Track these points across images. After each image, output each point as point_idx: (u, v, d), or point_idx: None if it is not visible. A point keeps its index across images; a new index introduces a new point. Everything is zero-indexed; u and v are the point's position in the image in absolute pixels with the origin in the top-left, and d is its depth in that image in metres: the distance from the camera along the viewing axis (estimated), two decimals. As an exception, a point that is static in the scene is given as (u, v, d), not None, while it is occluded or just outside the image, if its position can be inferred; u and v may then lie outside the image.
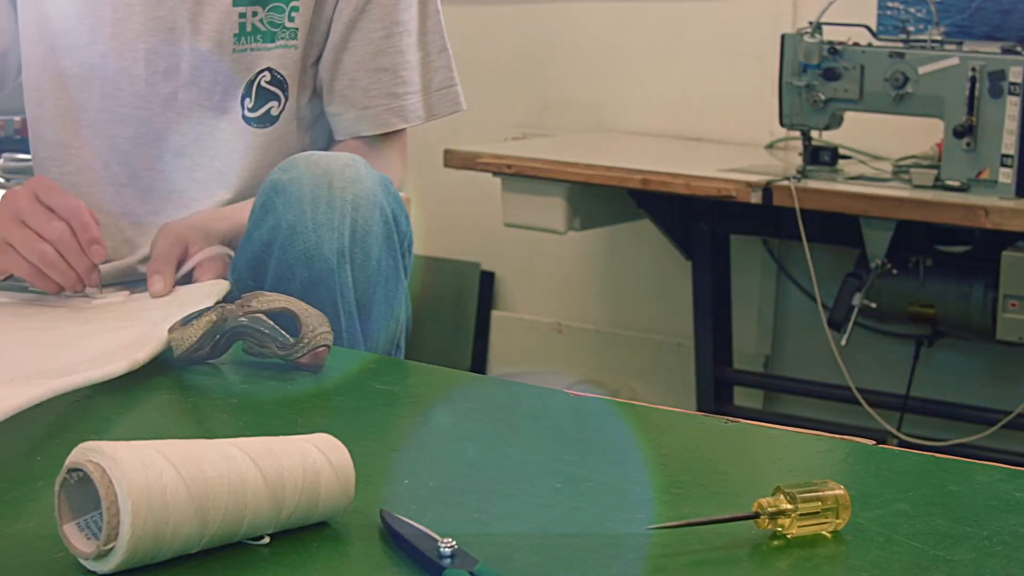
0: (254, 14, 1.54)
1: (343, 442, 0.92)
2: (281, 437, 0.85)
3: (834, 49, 2.65)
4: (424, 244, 4.04)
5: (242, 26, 1.55)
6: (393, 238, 1.44)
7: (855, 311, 2.68)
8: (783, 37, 2.75)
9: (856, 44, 2.68)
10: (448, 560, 0.78)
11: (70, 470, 0.77)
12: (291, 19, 1.56)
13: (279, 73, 1.58)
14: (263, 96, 1.58)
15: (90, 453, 0.77)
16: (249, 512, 0.80)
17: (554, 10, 3.72)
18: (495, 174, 3.12)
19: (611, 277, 3.74)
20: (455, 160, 3.16)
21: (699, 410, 3.12)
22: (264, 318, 1.20)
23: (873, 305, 2.70)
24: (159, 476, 0.76)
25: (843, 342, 2.68)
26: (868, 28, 2.72)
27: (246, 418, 1.09)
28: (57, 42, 1.59)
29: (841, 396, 2.89)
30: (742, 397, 3.28)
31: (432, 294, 4.02)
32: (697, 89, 3.46)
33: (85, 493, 0.77)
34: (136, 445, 0.78)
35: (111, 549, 0.75)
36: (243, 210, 1.48)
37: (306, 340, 1.19)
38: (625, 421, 1.12)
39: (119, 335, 1.27)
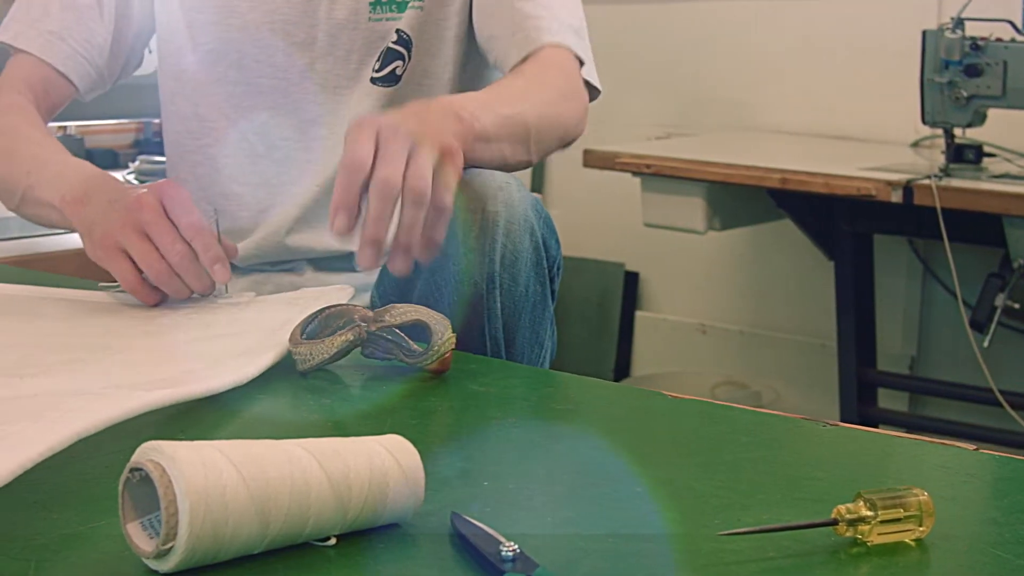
0: None
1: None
2: (351, 438, 0.85)
3: (976, 45, 2.59)
4: (568, 244, 4.03)
5: None
6: (542, 263, 1.40)
7: (998, 312, 2.61)
8: (924, 33, 2.70)
9: (999, 40, 2.61)
10: (509, 564, 0.77)
11: (132, 469, 0.77)
12: None
13: (405, 33, 1.60)
14: (389, 56, 1.60)
15: (151, 452, 0.77)
16: (313, 513, 0.80)
17: (699, 9, 3.69)
18: (634, 174, 3.10)
19: (754, 277, 3.70)
20: (595, 160, 3.15)
21: (842, 412, 3.06)
22: (396, 331, 1.19)
23: (1016, 306, 2.63)
24: (219, 476, 0.76)
25: (985, 343, 2.61)
26: (1012, 23, 2.65)
27: (332, 416, 1.09)
28: (194, 18, 1.62)
29: (983, 398, 2.83)
30: (887, 399, 3.22)
31: (576, 295, 4.01)
32: (841, 86, 3.41)
33: (148, 492, 0.77)
34: (198, 445, 0.78)
35: (170, 549, 0.75)
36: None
37: (435, 347, 1.17)
38: (721, 424, 1.10)
39: (234, 342, 1.26)
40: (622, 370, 4.02)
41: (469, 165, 1.33)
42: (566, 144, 1.56)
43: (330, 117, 1.62)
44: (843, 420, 3.05)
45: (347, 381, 1.19)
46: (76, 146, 2.76)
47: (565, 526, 0.85)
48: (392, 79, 1.61)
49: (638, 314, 4.02)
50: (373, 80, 1.60)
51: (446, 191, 1.22)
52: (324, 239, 1.62)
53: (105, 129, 2.82)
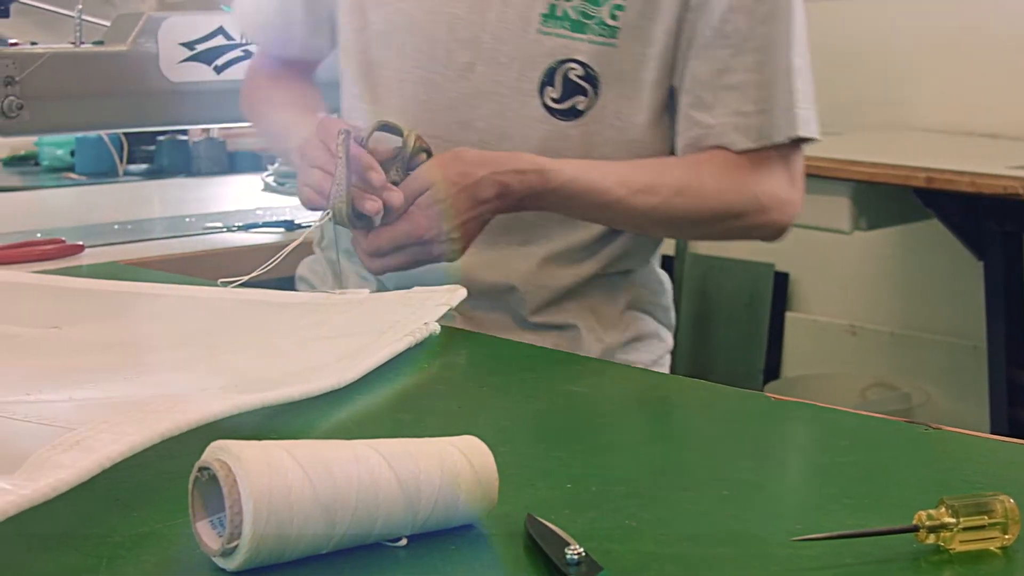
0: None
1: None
2: (423, 439, 0.84)
3: None
4: (717, 245, 4.01)
5: (552, 8, 1.55)
6: None
7: None
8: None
9: None
10: (573, 567, 0.76)
11: (201, 468, 0.78)
12: (613, 17, 1.54)
13: (592, 68, 1.56)
14: (570, 88, 1.56)
15: (219, 452, 0.77)
16: (381, 514, 0.79)
17: (845, 8, 3.64)
18: (779, 173, 3.05)
19: (904, 278, 3.63)
20: (740, 160, 3.11)
21: (992, 416, 3.00)
22: None
23: None
24: (284, 476, 0.76)
25: None
26: None
27: (420, 416, 1.09)
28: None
29: None
30: (1040, 403, 3.14)
31: (725, 296, 3.98)
32: (988, 83, 3.33)
33: (217, 491, 0.78)
34: (266, 445, 0.78)
35: (235, 547, 0.76)
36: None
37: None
38: (822, 426, 1.08)
39: (340, 344, 1.27)
40: (772, 372, 3.98)
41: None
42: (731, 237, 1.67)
43: (483, 123, 1.59)
44: (993, 423, 2.99)
45: (438, 382, 1.19)
46: (218, 149, 2.81)
47: (642, 529, 0.84)
48: (573, 113, 1.57)
49: (788, 315, 3.97)
50: (550, 109, 1.57)
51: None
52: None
53: (247, 132, 2.86)
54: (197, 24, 2.02)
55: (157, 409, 0.96)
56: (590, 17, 1.54)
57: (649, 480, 0.94)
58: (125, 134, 2.77)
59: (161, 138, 2.83)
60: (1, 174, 2.87)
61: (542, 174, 1.47)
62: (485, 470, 0.84)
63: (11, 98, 1.77)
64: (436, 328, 1.29)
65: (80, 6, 1.89)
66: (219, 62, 2.04)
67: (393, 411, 1.10)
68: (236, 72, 2.05)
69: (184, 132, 2.85)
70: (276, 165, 2.41)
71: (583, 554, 0.77)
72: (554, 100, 1.57)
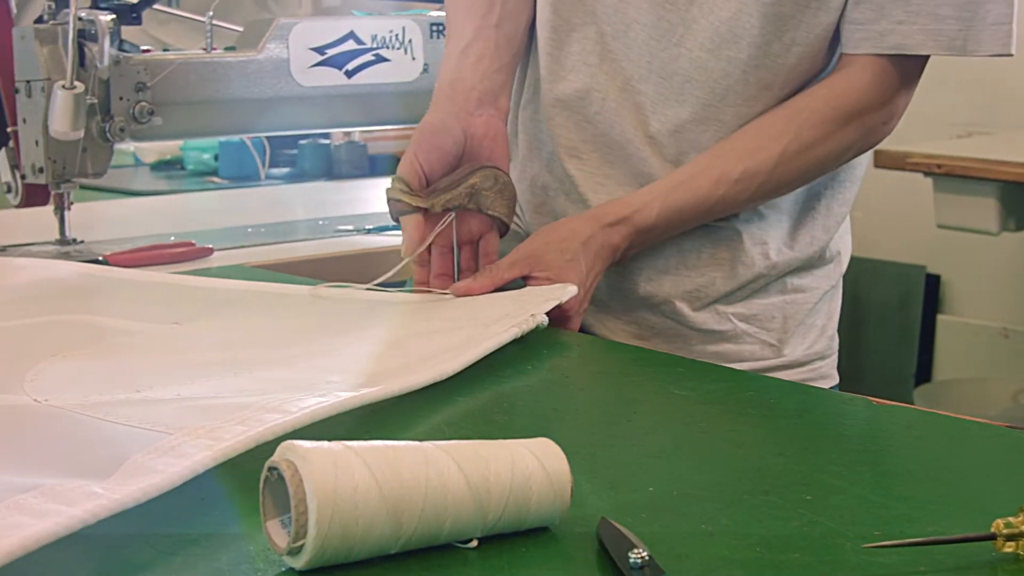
0: None
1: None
2: (496, 441, 0.85)
3: None
4: (867, 246, 3.95)
5: None
6: None
7: None
8: None
9: None
10: (636, 571, 0.76)
11: (270, 468, 0.79)
12: None
13: None
14: None
15: (287, 451, 0.78)
16: (450, 516, 0.80)
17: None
18: (926, 174, 3.02)
19: (1058, 280, 3.56)
20: (885, 160, 3.08)
21: None
22: None
23: None
24: (351, 476, 0.77)
25: None
26: None
27: (512, 418, 1.09)
28: None
29: None
30: None
31: (876, 298, 3.93)
32: None
33: (286, 490, 0.78)
34: (334, 445, 0.79)
35: (301, 546, 0.76)
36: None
37: None
38: (921, 431, 1.06)
39: (446, 338, 1.28)
40: (923, 375, 3.91)
41: None
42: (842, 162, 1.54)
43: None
44: None
45: (539, 384, 1.19)
46: (359, 153, 2.85)
47: (716, 534, 0.83)
48: None
49: (940, 318, 3.90)
50: None
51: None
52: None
53: (387, 136, 2.89)
54: (327, 29, 2.03)
55: (252, 415, 0.98)
56: None
57: (733, 484, 0.93)
58: (267, 138, 2.81)
59: (303, 142, 2.86)
60: (148, 178, 2.93)
61: (628, 222, 1.46)
62: (558, 473, 0.84)
63: (142, 104, 1.80)
64: (544, 320, 1.29)
65: (211, 12, 1.92)
66: (349, 67, 2.06)
67: (489, 412, 1.11)
68: (366, 76, 2.07)
69: (326, 136, 2.89)
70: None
71: (646, 558, 0.76)
72: None
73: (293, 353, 1.25)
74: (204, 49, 1.93)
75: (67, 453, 0.98)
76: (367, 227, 2.10)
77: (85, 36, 1.75)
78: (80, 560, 0.79)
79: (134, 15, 1.86)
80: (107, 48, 1.74)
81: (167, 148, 2.98)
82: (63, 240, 1.85)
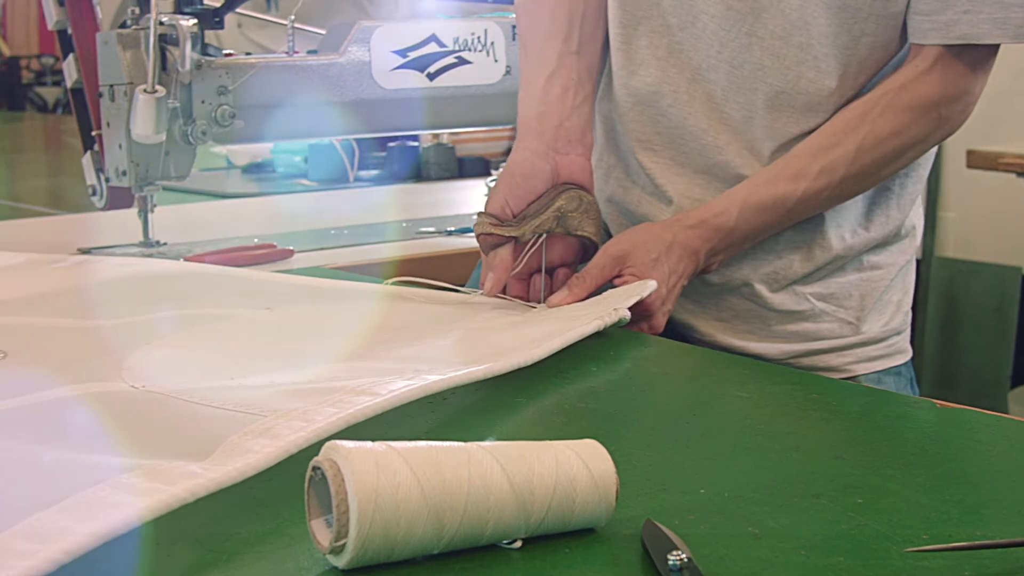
0: None
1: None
2: (541, 442, 0.85)
3: None
4: (961, 247, 3.91)
5: None
6: None
7: None
8: None
9: None
10: (675, 573, 0.76)
11: (314, 467, 0.80)
12: None
13: None
14: None
15: (330, 451, 0.79)
16: (492, 517, 0.80)
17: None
18: (1019, 174, 2.98)
19: None
20: (978, 161, 3.04)
21: None
22: None
23: None
24: (392, 476, 0.78)
25: None
26: None
27: (571, 419, 1.09)
28: None
29: None
30: None
31: (972, 300, 3.88)
32: None
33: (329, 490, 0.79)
34: (376, 445, 0.79)
35: (343, 545, 0.77)
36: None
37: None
38: (983, 434, 1.05)
39: (530, 329, 1.29)
40: (1020, 377, 3.86)
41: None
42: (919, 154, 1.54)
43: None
44: None
45: (604, 385, 1.19)
46: (447, 155, 2.86)
47: (762, 537, 0.83)
48: None
49: (1036, 320, 3.85)
50: None
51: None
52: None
53: (476, 138, 2.90)
54: (409, 32, 2.05)
55: (343, 398, 1.00)
56: None
57: (784, 487, 0.92)
58: (356, 141, 2.83)
59: (392, 144, 2.88)
60: (239, 181, 2.97)
61: (708, 225, 1.48)
62: (603, 475, 0.84)
63: (224, 107, 1.83)
64: (626, 315, 1.30)
65: (292, 16, 1.94)
66: (431, 69, 2.07)
67: (548, 414, 1.11)
68: (449, 79, 2.08)
69: (415, 138, 2.91)
70: (500, 170, 2.43)
71: (684, 560, 0.76)
72: None
73: (381, 342, 1.28)
74: (286, 52, 1.95)
75: (165, 436, 1.02)
76: (448, 229, 2.11)
77: (167, 41, 1.77)
78: (130, 559, 0.80)
79: (216, 19, 1.88)
80: (188, 52, 1.77)
81: (258, 151, 3.01)
82: (146, 242, 1.88)
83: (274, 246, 1.88)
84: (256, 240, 1.95)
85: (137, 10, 1.82)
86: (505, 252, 1.48)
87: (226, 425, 0.95)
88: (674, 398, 1.16)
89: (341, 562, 0.78)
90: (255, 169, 3.03)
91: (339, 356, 1.22)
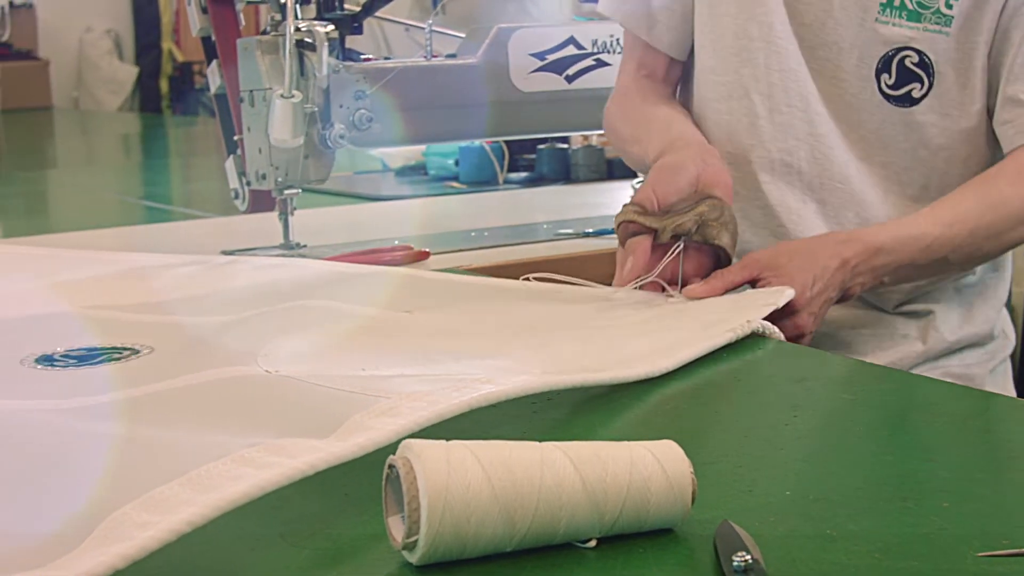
0: None
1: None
2: (618, 443, 0.85)
3: None
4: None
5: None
6: None
7: None
8: None
9: None
10: (739, 575, 0.76)
11: (390, 465, 0.81)
12: (948, 6, 1.57)
13: (927, 56, 1.58)
14: (905, 75, 1.60)
15: (404, 449, 0.80)
16: (565, 516, 0.81)
17: None
18: None
19: None
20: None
21: None
22: None
23: None
24: (463, 475, 0.79)
25: None
26: None
27: (672, 420, 1.09)
28: None
29: None
30: None
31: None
32: None
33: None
34: (451, 444, 0.81)
35: (415, 542, 0.79)
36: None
37: None
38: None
39: (663, 337, 1.29)
40: None
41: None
42: None
43: (822, 106, 1.65)
44: None
45: (710, 388, 1.19)
46: (596, 156, 2.86)
47: (839, 539, 0.82)
48: (908, 100, 1.61)
49: None
50: (886, 96, 1.61)
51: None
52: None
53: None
54: (548, 35, 2.06)
55: (468, 383, 1.03)
56: (926, 7, 1.57)
57: (872, 489, 0.92)
58: (506, 143, 2.86)
59: (541, 147, 2.90)
60: (392, 183, 3.01)
61: (859, 240, 1.51)
62: (678, 476, 0.84)
63: (362, 111, 1.86)
64: (758, 326, 1.30)
65: (430, 20, 1.97)
66: (570, 71, 2.08)
67: (649, 415, 1.11)
68: (588, 81, 2.09)
69: (564, 140, 2.92)
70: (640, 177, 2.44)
71: (749, 561, 0.76)
72: (889, 87, 1.61)
73: (512, 344, 1.30)
74: (424, 56, 1.97)
75: (292, 415, 1.06)
76: (587, 230, 2.11)
77: (305, 46, 1.81)
78: (215, 554, 0.83)
79: (355, 24, 1.91)
80: (325, 58, 1.80)
81: (412, 153, 3.05)
82: (287, 244, 1.92)
83: (411, 248, 1.90)
84: (396, 242, 1.98)
85: (278, 16, 1.86)
86: (645, 242, 1.49)
87: (352, 407, 0.97)
88: (778, 399, 1.15)
89: (414, 558, 0.79)
90: (408, 172, 3.07)
91: (473, 353, 1.24)
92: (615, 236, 1.81)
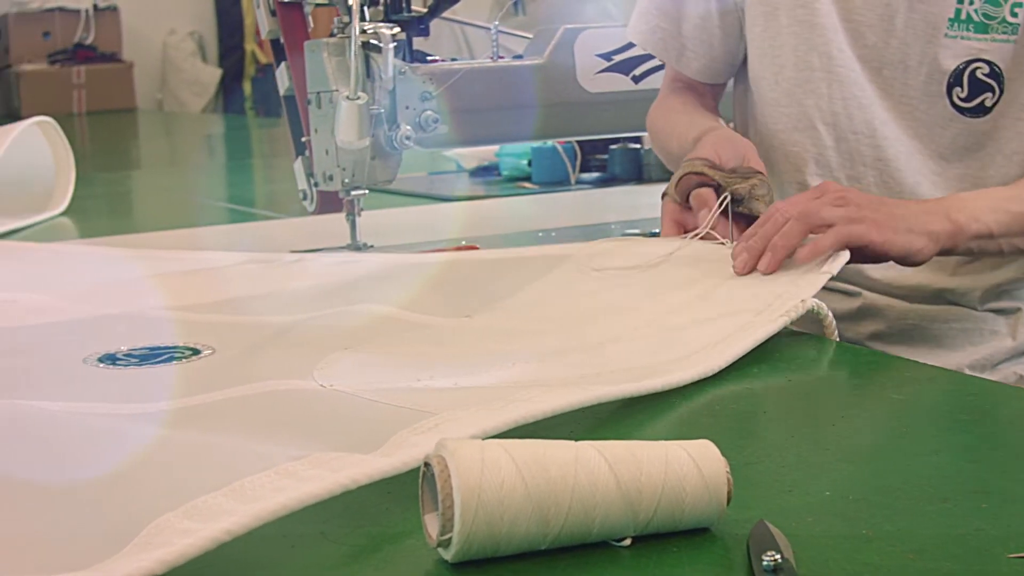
0: (971, 2, 1.58)
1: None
2: (654, 442, 0.86)
3: None
4: None
5: (957, 12, 1.59)
6: None
7: None
8: None
9: None
10: (768, 574, 0.76)
11: (426, 464, 0.83)
12: (1013, 14, 1.58)
13: (997, 66, 1.59)
14: (977, 87, 1.61)
15: (439, 448, 0.82)
16: (599, 515, 0.82)
17: None
18: None
19: None
20: None
21: None
22: None
23: None
24: (497, 473, 0.80)
25: None
26: None
27: (714, 419, 1.10)
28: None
29: None
30: None
31: None
32: None
33: (441, 486, 0.82)
34: (485, 443, 0.82)
35: (449, 539, 0.80)
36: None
37: None
38: None
39: (719, 326, 1.28)
40: None
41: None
42: None
43: (893, 124, 1.66)
44: None
45: (754, 386, 1.19)
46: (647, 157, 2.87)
47: (874, 540, 0.83)
48: (981, 110, 1.61)
49: None
50: (959, 108, 1.62)
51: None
52: None
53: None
54: (614, 36, 2.07)
55: (516, 398, 1.04)
56: (992, 17, 1.58)
57: (913, 490, 0.91)
58: (579, 144, 2.86)
59: (614, 147, 2.90)
60: (467, 184, 3.02)
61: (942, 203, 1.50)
62: (714, 475, 0.85)
63: (428, 112, 1.88)
64: (813, 305, 1.28)
65: (496, 22, 1.98)
66: (637, 72, 2.09)
67: (696, 415, 1.11)
68: (654, 81, 2.09)
69: (636, 140, 2.92)
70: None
71: (779, 561, 0.76)
72: (961, 99, 1.61)
73: (570, 346, 1.31)
74: (491, 58, 1.98)
75: (341, 430, 1.08)
76: (654, 230, 2.11)
77: (371, 48, 1.83)
78: (257, 551, 0.84)
79: (422, 27, 1.93)
80: (391, 59, 1.81)
81: (485, 154, 3.06)
82: (354, 245, 1.93)
83: (476, 248, 1.91)
84: (463, 243, 1.99)
85: (345, 19, 1.88)
86: (712, 194, 1.52)
87: (400, 423, 0.99)
88: (826, 400, 1.16)
89: (448, 555, 0.80)
90: (482, 172, 3.08)
91: (531, 357, 1.26)
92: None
